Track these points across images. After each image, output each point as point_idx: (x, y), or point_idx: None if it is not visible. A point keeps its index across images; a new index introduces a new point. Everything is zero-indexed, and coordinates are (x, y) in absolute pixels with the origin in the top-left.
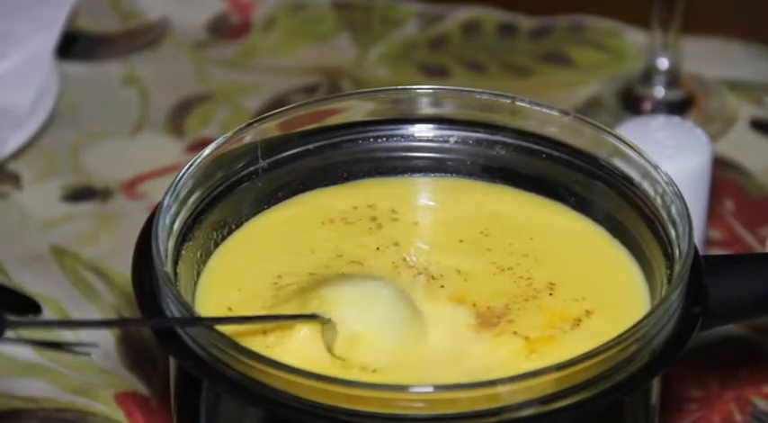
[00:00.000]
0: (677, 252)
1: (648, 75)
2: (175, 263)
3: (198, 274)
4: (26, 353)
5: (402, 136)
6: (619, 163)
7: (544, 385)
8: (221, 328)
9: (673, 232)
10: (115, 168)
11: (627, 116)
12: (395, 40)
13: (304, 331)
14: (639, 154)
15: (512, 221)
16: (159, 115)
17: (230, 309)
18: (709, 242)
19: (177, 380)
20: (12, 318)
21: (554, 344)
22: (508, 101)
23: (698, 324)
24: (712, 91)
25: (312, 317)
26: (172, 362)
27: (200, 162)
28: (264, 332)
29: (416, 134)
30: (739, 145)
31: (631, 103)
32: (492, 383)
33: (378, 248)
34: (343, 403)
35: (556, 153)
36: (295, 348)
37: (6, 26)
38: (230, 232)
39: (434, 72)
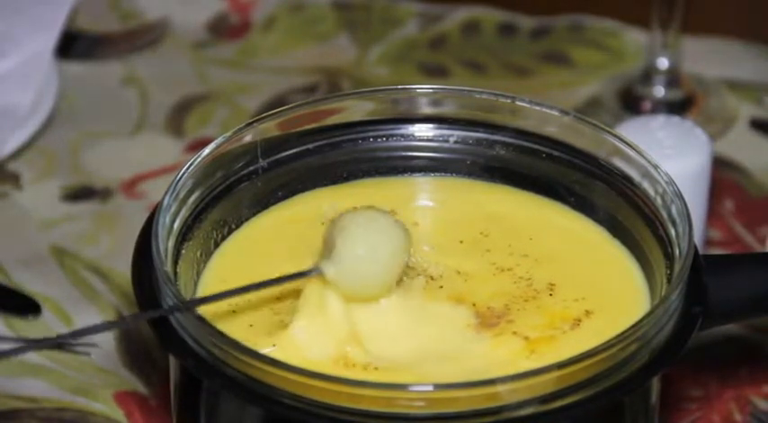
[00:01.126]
0: (677, 252)
1: (648, 75)
2: (175, 262)
3: (198, 274)
4: (26, 353)
5: (402, 136)
6: (619, 163)
7: (544, 384)
8: (225, 328)
9: (673, 232)
10: (115, 168)
11: (627, 116)
12: (395, 39)
13: (306, 332)
14: (639, 154)
15: (511, 221)
16: (159, 115)
17: (234, 312)
18: (709, 242)
19: (177, 379)
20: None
21: (554, 344)
22: (508, 101)
23: (698, 324)
24: (712, 91)
25: (314, 271)
26: (172, 361)
27: (199, 162)
28: (269, 334)
29: (416, 134)
30: (739, 145)
31: (631, 103)
32: (492, 382)
33: None
34: (343, 402)
35: (556, 153)
36: (296, 348)
37: (6, 26)
38: (230, 232)
39: (434, 72)
